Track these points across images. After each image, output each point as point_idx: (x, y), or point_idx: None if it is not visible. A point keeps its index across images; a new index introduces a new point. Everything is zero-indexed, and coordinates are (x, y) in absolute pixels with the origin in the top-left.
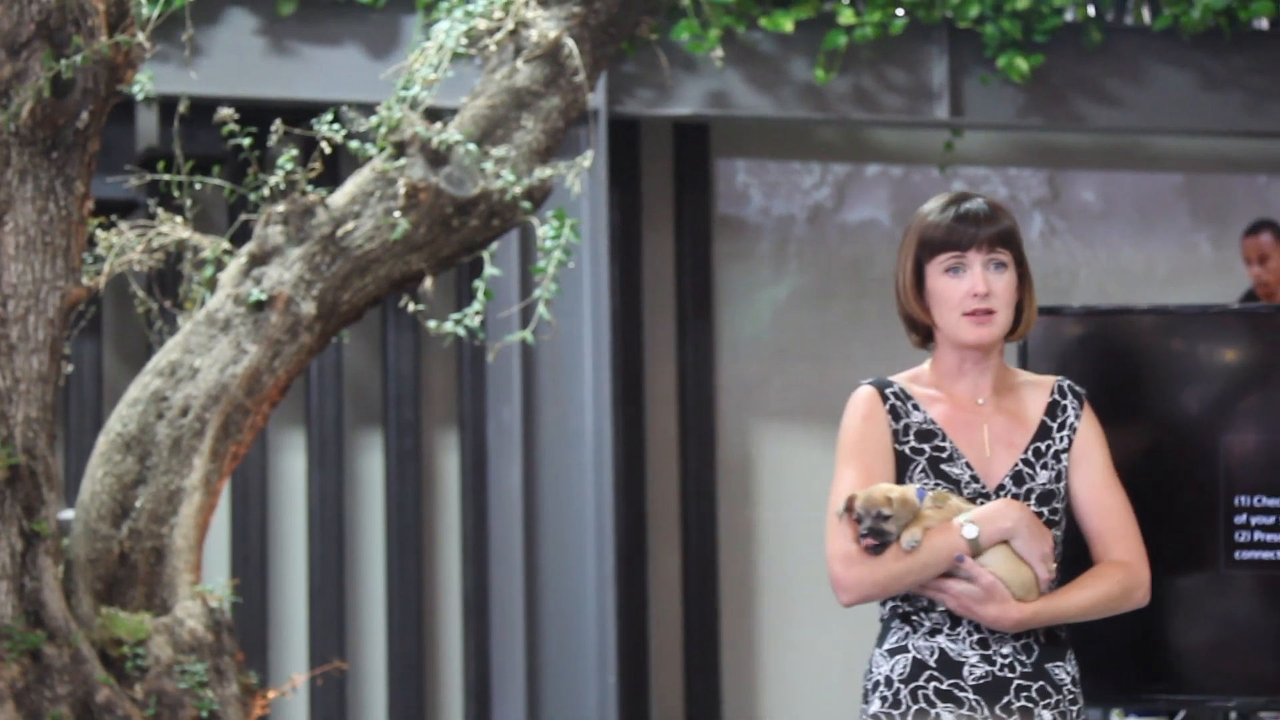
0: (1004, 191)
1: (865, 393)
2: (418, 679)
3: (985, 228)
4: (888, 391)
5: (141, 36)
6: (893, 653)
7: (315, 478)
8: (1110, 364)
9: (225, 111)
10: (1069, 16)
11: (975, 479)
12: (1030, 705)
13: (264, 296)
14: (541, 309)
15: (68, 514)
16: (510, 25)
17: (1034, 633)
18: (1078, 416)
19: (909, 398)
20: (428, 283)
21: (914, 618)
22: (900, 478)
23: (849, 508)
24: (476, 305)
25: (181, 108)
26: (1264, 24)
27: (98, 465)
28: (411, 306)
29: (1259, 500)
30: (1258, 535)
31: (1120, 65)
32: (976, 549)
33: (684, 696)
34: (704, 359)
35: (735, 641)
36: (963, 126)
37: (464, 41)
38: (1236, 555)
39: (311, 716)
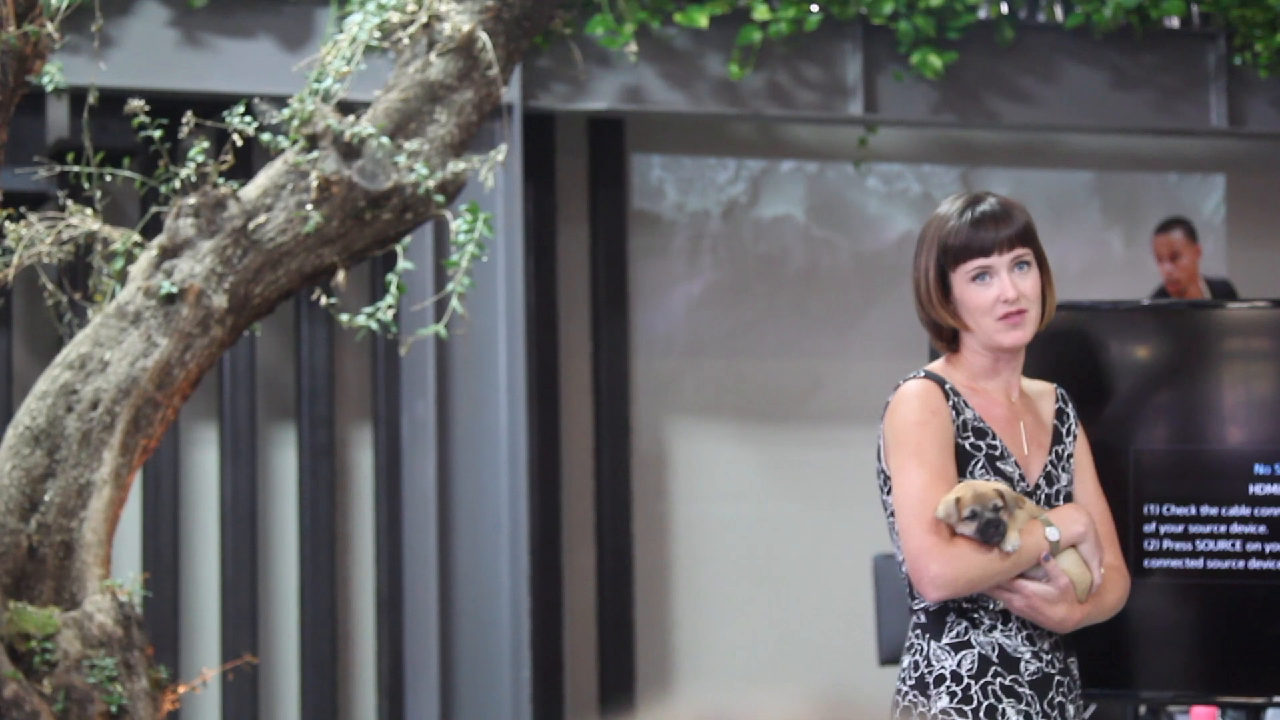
0: (918, 188)
1: (926, 387)
2: (331, 674)
3: (1004, 229)
4: (945, 387)
5: (50, 27)
6: (955, 648)
7: (228, 472)
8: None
9: (136, 103)
10: (982, 14)
11: (1022, 477)
12: (1063, 699)
13: (175, 289)
14: (455, 303)
15: None
16: (423, 18)
17: None
18: (1076, 424)
19: (958, 393)
20: (340, 276)
21: (974, 614)
22: (961, 474)
23: (959, 509)
24: (389, 299)
25: (91, 99)
26: (1175, 23)
27: (6, 459)
28: (324, 300)
29: (1168, 509)
30: (1167, 544)
31: (1032, 63)
32: (1054, 551)
33: (598, 692)
34: (619, 354)
35: (650, 636)
36: (877, 123)
37: (377, 34)
38: (1146, 564)
39: (223, 712)
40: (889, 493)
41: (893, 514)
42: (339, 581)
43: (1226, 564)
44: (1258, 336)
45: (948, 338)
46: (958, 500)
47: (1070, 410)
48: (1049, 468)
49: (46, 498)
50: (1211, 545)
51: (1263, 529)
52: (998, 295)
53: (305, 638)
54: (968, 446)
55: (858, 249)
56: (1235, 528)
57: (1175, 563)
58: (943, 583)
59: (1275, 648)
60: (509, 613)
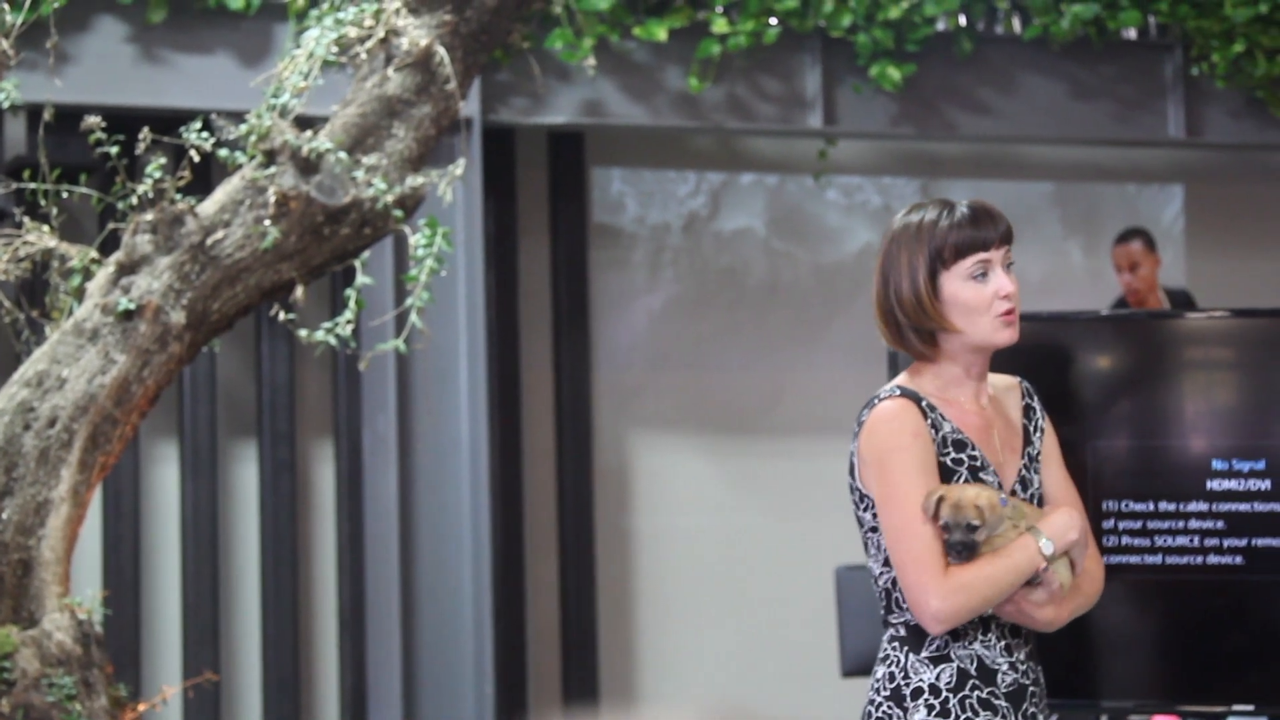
0: (878, 200)
1: (903, 406)
2: (293, 691)
3: (999, 225)
4: (922, 404)
5: (5, 44)
6: (935, 661)
7: (189, 488)
8: None
9: (92, 119)
10: (940, 26)
11: (1000, 486)
12: (1035, 710)
13: (132, 306)
14: (414, 317)
15: None
16: (381, 33)
17: (1028, 637)
18: (1042, 417)
19: (934, 408)
20: (299, 291)
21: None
22: None
23: (936, 512)
24: (348, 314)
25: (47, 115)
26: (1132, 34)
27: None
28: (283, 316)
29: (1126, 505)
30: (1125, 540)
31: (991, 74)
32: (1050, 563)
33: (561, 706)
34: (580, 367)
35: (612, 649)
36: (836, 135)
37: (335, 49)
38: (1104, 560)
39: None
40: (865, 509)
41: (871, 529)
42: (301, 597)
43: (1185, 560)
44: (1216, 345)
45: (927, 344)
46: (939, 500)
47: (1036, 404)
48: (1023, 471)
49: (4, 516)
50: (1170, 541)
51: (1220, 524)
52: (995, 291)
53: (267, 654)
54: (949, 463)
55: (818, 261)
56: (1193, 523)
57: (1134, 559)
58: (944, 617)
59: (1234, 656)
60: (472, 627)
